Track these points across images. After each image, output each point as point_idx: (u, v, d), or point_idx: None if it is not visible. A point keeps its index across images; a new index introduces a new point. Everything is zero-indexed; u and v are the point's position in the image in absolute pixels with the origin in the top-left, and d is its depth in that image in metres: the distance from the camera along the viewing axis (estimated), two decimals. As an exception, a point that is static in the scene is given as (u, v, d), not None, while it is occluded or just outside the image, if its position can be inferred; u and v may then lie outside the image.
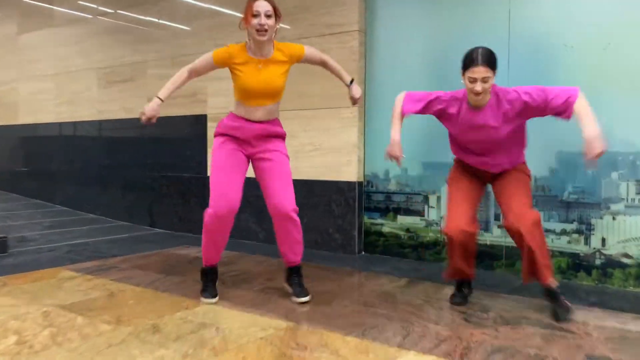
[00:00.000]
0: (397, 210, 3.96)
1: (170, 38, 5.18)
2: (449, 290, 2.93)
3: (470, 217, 2.62)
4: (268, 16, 2.56)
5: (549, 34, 3.29)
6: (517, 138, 2.65)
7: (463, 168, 2.76)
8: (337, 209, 4.13)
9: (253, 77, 2.65)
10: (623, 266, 3.11)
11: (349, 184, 4.05)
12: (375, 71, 4.03)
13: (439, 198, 3.78)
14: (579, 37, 3.20)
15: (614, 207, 3.14)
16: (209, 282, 2.80)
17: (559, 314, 2.47)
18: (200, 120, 4.96)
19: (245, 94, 2.68)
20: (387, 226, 4.01)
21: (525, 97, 2.46)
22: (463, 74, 2.51)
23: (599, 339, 2.24)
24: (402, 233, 3.94)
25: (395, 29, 3.94)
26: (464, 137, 2.64)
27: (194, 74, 2.80)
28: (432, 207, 3.81)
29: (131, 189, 5.58)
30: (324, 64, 2.92)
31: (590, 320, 2.48)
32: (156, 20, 5.27)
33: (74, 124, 6.17)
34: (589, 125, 2.32)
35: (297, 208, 2.72)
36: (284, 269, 2.88)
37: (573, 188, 3.27)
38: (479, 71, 2.41)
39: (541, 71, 3.31)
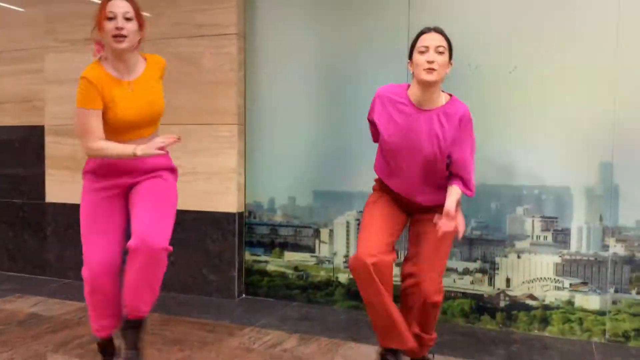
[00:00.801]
0: (284, 246, 3.61)
1: (-4, 27, 4.31)
2: (347, 349, 2.65)
3: (387, 246, 2.19)
4: (127, 19, 2.12)
5: (454, 51, 3.13)
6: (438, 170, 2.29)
7: (383, 191, 2.36)
8: (212, 245, 3.67)
9: (129, 103, 2.18)
10: (528, 308, 3.05)
11: (228, 215, 3.61)
12: (257, 83, 3.63)
13: (331, 232, 3.49)
14: (483, 56, 3.07)
15: (519, 244, 3.07)
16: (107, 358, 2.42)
17: None
18: (35, 133, 4.18)
19: (121, 128, 2.20)
20: (273, 264, 3.63)
21: (467, 124, 2.19)
22: (411, 56, 2.15)
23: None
24: (289, 272, 3.60)
25: (282, 32, 3.57)
26: (398, 143, 2.18)
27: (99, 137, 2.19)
28: (323, 242, 3.51)
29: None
30: None
31: (508, 387, 2.33)
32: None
33: None
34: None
35: (170, 249, 2.21)
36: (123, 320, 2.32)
37: (476, 223, 3.15)
38: (432, 37, 2.09)
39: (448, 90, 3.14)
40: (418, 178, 2.22)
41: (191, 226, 3.69)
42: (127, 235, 2.24)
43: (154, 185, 2.28)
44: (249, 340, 2.87)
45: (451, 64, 2.16)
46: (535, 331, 3.04)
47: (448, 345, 2.80)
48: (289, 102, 3.55)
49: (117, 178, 2.27)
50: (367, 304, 2.19)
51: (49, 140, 4.13)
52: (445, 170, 2.23)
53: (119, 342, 2.36)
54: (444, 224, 2.06)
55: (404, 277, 2.27)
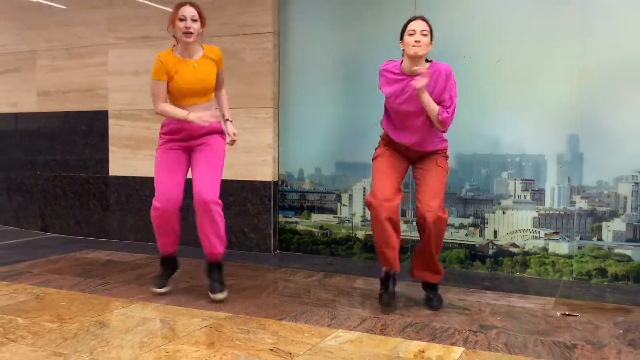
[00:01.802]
0: (311, 209, 4.63)
1: (64, 26, 5.40)
2: (362, 282, 3.66)
3: (394, 188, 3.07)
4: (194, 20, 3.12)
5: (451, 43, 4.11)
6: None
7: (388, 145, 3.21)
8: (252, 209, 4.71)
9: (187, 76, 3.16)
10: (511, 255, 4.02)
11: (264, 183, 4.65)
12: (289, 73, 4.66)
13: (350, 196, 4.50)
14: (475, 47, 4.04)
15: (504, 202, 4.05)
16: (165, 271, 3.38)
17: (435, 304, 3.11)
18: (100, 117, 5.27)
19: (180, 95, 3.19)
20: (302, 224, 4.66)
21: (450, 76, 3.07)
22: (402, 37, 3.03)
23: (490, 314, 3.05)
24: (315, 230, 4.62)
25: (309, 31, 4.59)
26: (399, 103, 3.06)
27: (165, 98, 3.27)
28: (344, 205, 4.52)
29: (18, 190, 5.73)
30: (219, 88, 3.41)
31: (483, 300, 3.31)
32: (47, 3, 5.47)
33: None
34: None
35: (220, 201, 3.17)
36: (205, 263, 3.33)
37: (470, 186, 4.13)
38: (418, 24, 2.97)
39: (443, 80, 4.12)
40: (419, 130, 3.08)
41: (234, 192, 4.73)
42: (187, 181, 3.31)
43: (209, 151, 3.26)
44: (285, 274, 3.90)
45: (432, 44, 3.03)
46: (517, 273, 4.01)
47: (449, 283, 3.76)
48: (316, 89, 4.57)
49: (182, 139, 3.24)
50: (374, 229, 3.13)
51: (111, 122, 5.22)
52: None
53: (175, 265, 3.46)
54: (416, 82, 2.88)
55: (417, 216, 3.07)
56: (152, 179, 3.29)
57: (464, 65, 4.06)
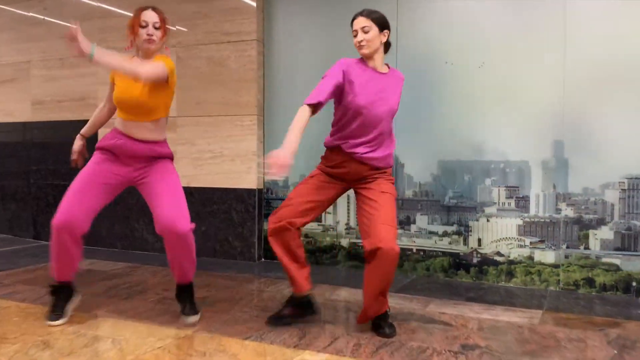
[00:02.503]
0: (295, 216, 4.12)
1: (58, 37, 4.96)
2: (345, 292, 3.15)
3: (300, 213, 2.49)
4: (156, 28, 2.53)
5: (432, 49, 3.63)
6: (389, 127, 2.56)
7: (325, 170, 2.63)
8: (236, 217, 4.21)
9: (128, 88, 2.51)
10: (496, 264, 3.51)
11: (249, 191, 4.16)
12: (273, 80, 4.18)
13: (335, 205, 3.99)
14: (456, 53, 3.56)
15: (488, 210, 3.54)
16: (58, 301, 2.57)
17: (388, 332, 2.42)
18: (91, 126, 4.79)
19: (119, 107, 2.57)
20: (286, 232, 4.15)
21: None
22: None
23: (473, 330, 2.54)
24: (301, 239, 4.10)
25: (294, 38, 4.11)
26: (365, 100, 2.43)
27: (108, 101, 2.75)
28: (329, 213, 4.02)
29: (12, 199, 5.26)
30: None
31: (467, 314, 2.80)
32: (41, 17, 5.03)
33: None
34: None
35: (193, 225, 2.51)
36: (175, 286, 2.72)
37: (453, 193, 3.63)
38: (358, 22, 2.43)
39: (424, 83, 3.64)
40: (376, 134, 2.47)
41: (219, 200, 4.24)
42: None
43: (163, 179, 2.55)
44: (264, 284, 3.39)
45: (385, 34, 2.45)
46: (503, 283, 3.49)
47: (431, 293, 3.27)
48: (301, 96, 4.04)
49: (123, 164, 2.54)
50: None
51: (101, 131, 4.72)
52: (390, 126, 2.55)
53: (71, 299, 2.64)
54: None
55: (368, 249, 2.33)
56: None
57: (446, 71, 3.59)
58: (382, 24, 2.46)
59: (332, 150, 2.61)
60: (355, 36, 2.46)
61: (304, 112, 2.39)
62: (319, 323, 2.58)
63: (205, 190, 4.28)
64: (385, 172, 2.56)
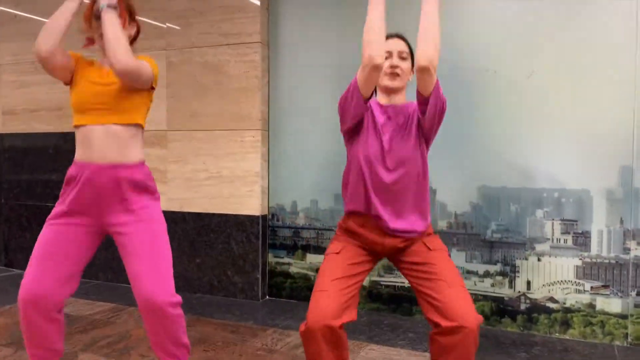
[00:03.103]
0: (306, 248, 3.56)
1: (32, 38, 4.35)
2: (368, 350, 2.59)
3: (344, 308, 1.76)
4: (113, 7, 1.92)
5: (469, 55, 3.06)
6: (422, 174, 1.93)
7: (349, 237, 1.96)
8: (237, 247, 3.63)
9: (92, 79, 1.96)
10: (548, 311, 2.96)
11: (251, 217, 3.57)
12: (280, 90, 3.60)
13: (352, 234, 3.42)
14: (501, 60, 3.00)
15: (539, 247, 2.98)
16: None
17: None
18: (69, 138, 4.20)
19: (79, 107, 1.96)
20: (295, 266, 3.59)
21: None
22: None
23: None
24: (311, 274, 3.54)
25: (301, 42, 3.54)
26: (370, 148, 1.90)
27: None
28: (345, 244, 3.44)
29: (-19, 220, 4.66)
30: None
31: (530, 389, 2.24)
32: (12, 12, 4.42)
33: None
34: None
35: (178, 298, 1.94)
36: None
37: (497, 226, 3.06)
38: (394, 42, 1.91)
39: (461, 96, 3.07)
40: (398, 197, 1.88)
41: (216, 228, 3.66)
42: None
43: (144, 234, 1.95)
44: (271, 342, 2.81)
45: (413, 73, 1.93)
46: (557, 334, 2.94)
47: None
48: (311, 108, 3.51)
49: (96, 211, 1.95)
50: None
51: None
52: (425, 179, 1.94)
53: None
54: None
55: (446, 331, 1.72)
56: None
57: (488, 80, 3.02)
58: (413, 62, 1.91)
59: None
60: (387, 59, 1.89)
61: None
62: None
63: (200, 217, 3.69)
64: (423, 234, 1.93)
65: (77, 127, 1.97)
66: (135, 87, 1.95)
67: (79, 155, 1.96)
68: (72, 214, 1.94)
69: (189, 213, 3.72)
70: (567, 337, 2.91)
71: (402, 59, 1.92)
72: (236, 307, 3.41)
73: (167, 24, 3.77)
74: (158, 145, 3.81)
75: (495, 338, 2.90)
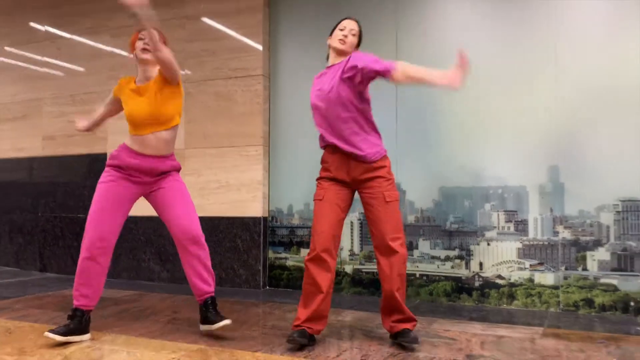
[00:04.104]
0: (301, 244, 4.24)
1: (69, 76, 5.19)
2: (349, 315, 3.24)
3: (334, 238, 2.57)
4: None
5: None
6: (363, 114, 2.61)
7: (327, 179, 2.67)
8: (242, 245, 4.32)
9: (139, 103, 2.65)
10: (497, 287, 3.60)
11: (254, 219, 4.28)
12: (278, 113, 4.37)
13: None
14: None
15: (488, 234, 3.66)
16: (71, 326, 2.56)
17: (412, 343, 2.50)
18: (99, 159, 4.95)
19: (134, 123, 2.68)
20: (291, 259, 4.26)
21: (355, 54, 2.60)
22: (332, 33, 2.71)
23: (477, 343, 2.62)
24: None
25: (297, 74, 4.33)
26: (316, 101, 2.69)
27: (106, 108, 2.94)
28: (332, 240, 4.12)
29: (19, 232, 5.36)
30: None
31: (470, 331, 2.88)
32: (53, 61, 5.27)
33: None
34: (431, 73, 2.46)
35: (203, 235, 2.76)
36: (199, 307, 2.76)
37: (454, 218, 3.75)
38: (350, 23, 2.65)
39: (424, 114, 3.82)
40: (344, 122, 2.57)
41: (225, 229, 4.35)
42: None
43: (177, 192, 2.74)
44: (271, 308, 3.47)
45: (357, 49, 2.69)
46: (504, 305, 3.58)
47: (435, 315, 3.35)
48: (303, 128, 4.25)
49: (133, 182, 2.67)
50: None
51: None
52: (364, 108, 2.62)
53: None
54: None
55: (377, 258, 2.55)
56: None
57: (445, 102, 3.77)
58: (360, 42, 2.73)
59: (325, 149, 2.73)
60: (342, 31, 2.65)
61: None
62: (327, 339, 2.66)
63: (211, 220, 4.39)
64: (383, 169, 2.62)
65: (133, 135, 2.70)
66: (168, 97, 2.66)
67: (134, 146, 2.68)
68: (123, 180, 2.66)
69: (202, 217, 4.39)
70: (513, 307, 3.55)
71: (353, 34, 2.66)
72: (241, 295, 4.06)
73: (187, 62, 4.58)
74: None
75: (456, 310, 3.52)
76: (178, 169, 2.84)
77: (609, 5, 3.44)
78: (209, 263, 2.79)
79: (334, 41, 2.68)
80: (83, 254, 2.63)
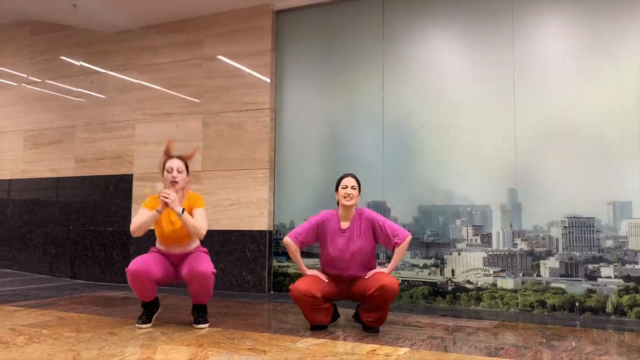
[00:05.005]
0: (301, 254, 4.85)
1: (100, 106, 5.90)
2: (341, 312, 3.87)
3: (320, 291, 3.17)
4: (180, 171, 3.26)
5: (411, 115, 4.52)
6: (369, 259, 3.31)
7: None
8: (250, 255, 4.96)
9: (174, 225, 3.24)
10: (467, 290, 4.22)
11: (261, 232, 4.93)
12: (283, 141, 5.06)
13: (333, 243, 4.74)
14: (429, 119, 4.44)
15: (459, 245, 4.29)
16: (146, 310, 3.26)
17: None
18: (126, 179, 5.65)
19: (164, 240, 3.31)
20: (292, 267, 4.89)
21: (374, 217, 3.30)
22: (337, 190, 3.34)
23: (440, 329, 3.24)
24: (303, 273, 4.83)
25: (299, 107, 5.02)
26: (333, 246, 3.29)
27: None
28: (327, 250, 4.75)
29: (52, 244, 6.02)
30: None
31: (438, 322, 3.50)
32: (87, 92, 5.99)
33: (-8, 182, 6.54)
34: (389, 267, 3.24)
35: (214, 270, 3.17)
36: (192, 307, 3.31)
37: (430, 232, 4.39)
38: (349, 180, 3.31)
39: (405, 143, 4.50)
40: (356, 265, 3.26)
41: (235, 241, 5.00)
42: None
43: (195, 255, 3.28)
44: (273, 306, 4.10)
45: (360, 196, 3.36)
46: (473, 306, 4.19)
47: (412, 312, 3.97)
48: (304, 154, 4.94)
49: (171, 257, 3.31)
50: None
51: (136, 184, 5.59)
52: (373, 255, 3.35)
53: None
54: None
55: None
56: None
57: (420, 133, 4.45)
58: (360, 189, 3.37)
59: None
60: (344, 189, 3.30)
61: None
62: (330, 326, 3.29)
63: (224, 233, 5.05)
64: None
65: (161, 243, 3.35)
66: None
67: (164, 249, 3.33)
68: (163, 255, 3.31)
69: (215, 230, 5.08)
70: (480, 308, 4.16)
71: (353, 188, 3.31)
72: (249, 297, 4.68)
73: (204, 95, 5.29)
74: (195, 182, 5.23)
75: (431, 309, 4.13)
76: (203, 250, 3.38)
77: (566, 52, 4.12)
78: (210, 290, 3.21)
79: (341, 199, 3.30)
80: (128, 278, 3.16)
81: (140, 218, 3.18)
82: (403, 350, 2.65)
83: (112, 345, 2.70)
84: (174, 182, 3.22)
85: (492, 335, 3.14)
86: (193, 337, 2.90)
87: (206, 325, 3.20)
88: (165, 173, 3.26)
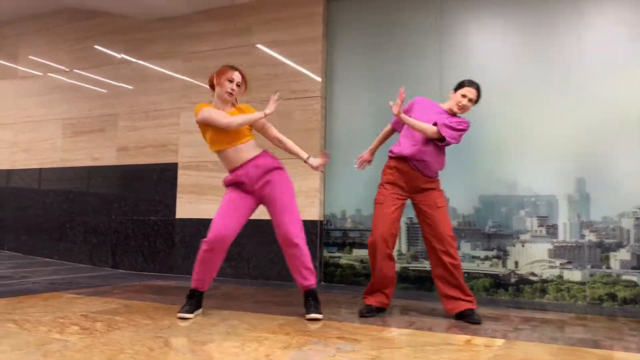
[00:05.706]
0: (353, 245, 4.78)
1: (143, 95, 5.83)
2: (403, 302, 3.76)
3: (392, 235, 3.25)
4: (238, 85, 3.20)
5: (476, 106, 4.39)
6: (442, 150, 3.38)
7: (390, 184, 3.35)
8: (300, 245, 4.86)
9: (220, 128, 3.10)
10: (531, 282, 4.11)
11: (312, 222, 4.84)
12: (333, 129, 4.96)
13: (387, 234, 4.64)
14: (490, 108, 4.32)
15: (522, 237, 4.18)
16: (190, 304, 3.08)
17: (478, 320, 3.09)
18: (170, 167, 5.58)
19: (217, 144, 3.16)
20: (344, 258, 4.80)
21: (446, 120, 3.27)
22: (456, 90, 3.30)
23: (519, 321, 3.13)
24: (356, 264, 4.75)
25: (351, 96, 4.92)
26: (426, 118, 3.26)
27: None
28: (381, 241, 4.66)
29: (93, 233, 5.96)
30: (278, 141, 3.43)
31: (511, 314, 3.39)
32: (127, 80, 5.92)
33: (28, 171, 6.49)
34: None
35: (304, 236, 3.17)
36: (303, 294, 3.22)
37: (492, 223, 4.28)
38: (471, 91, 3.25)
39: (468, 134, 4.37)
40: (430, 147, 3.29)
41: (285, 231, 4.91)
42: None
43: (279, 190, 3.19)
44: (326, 294, 4.01)
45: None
46: (537, 299, 4.08)
47: (482, 307, 3.85)
48: (356, 141, 4.83)
49: (246, 191, 3.15)
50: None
51: (180, 172, 5.52)
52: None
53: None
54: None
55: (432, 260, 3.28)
56: (209, 220, 3.26)
57: (487, 122, 4.33)
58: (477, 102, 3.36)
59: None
60: (464, 97, 3.26)
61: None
62: (395, 315, 3.19)
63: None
64: (436, 182, 3.33)
65: (217, 151, 3.22)
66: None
67: (227, 164, 3.19)
68: (239, 192, 3.18)
69: (266, 220, 4.97)
70: (545, 300, 4.05)
71: (470, 100, 3.28)
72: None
73: (251, 84, 5.19)
74: (241, 171, 5.15)
75: (494, 302, 4.02)
76: (278, 167, 3.27)
77: (635, 40, 3.99)
78: (306, 260, 3.19)
79: (454, 104, 3.31)
80: (204, 247, 3.06)
81: (246, 117, 3.13)
82: (500, 341, 2.55)
83: (195, 332, 2.62)
84: (229, 94, 3.16)
85: (580, 327, 3.03)
86: (274, 326, 2.81)
87: (320, 316, 3.05)
88: (227, 82, 3.15)
